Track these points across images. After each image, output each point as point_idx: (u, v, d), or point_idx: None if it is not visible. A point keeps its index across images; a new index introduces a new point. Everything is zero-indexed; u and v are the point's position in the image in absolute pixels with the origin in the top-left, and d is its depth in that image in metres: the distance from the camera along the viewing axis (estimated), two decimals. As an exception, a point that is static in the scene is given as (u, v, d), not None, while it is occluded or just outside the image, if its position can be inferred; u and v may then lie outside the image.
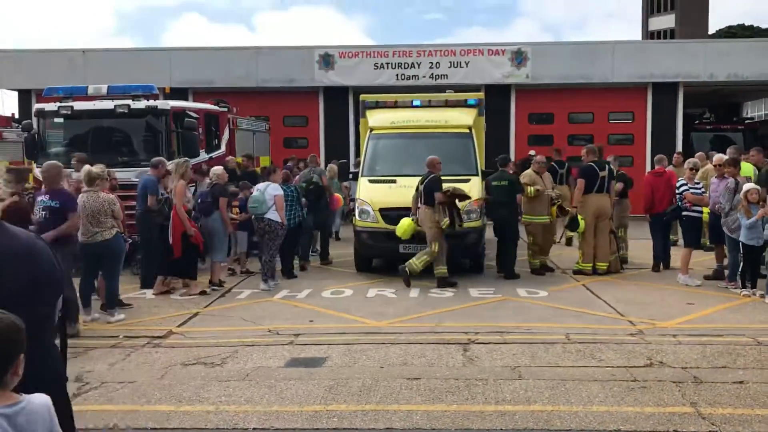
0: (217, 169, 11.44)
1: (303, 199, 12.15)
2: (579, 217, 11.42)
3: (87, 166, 8.99)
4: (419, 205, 10.86)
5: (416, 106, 13.32)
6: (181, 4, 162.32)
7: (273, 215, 10.77)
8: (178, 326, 8.56)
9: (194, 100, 19.46)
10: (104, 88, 13.84)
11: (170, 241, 10.04)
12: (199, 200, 10.87)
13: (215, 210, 10.80)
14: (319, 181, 13.13)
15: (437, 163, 11.00)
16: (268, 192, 10.80)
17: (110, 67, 21.33)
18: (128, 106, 13.02)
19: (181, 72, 21.90)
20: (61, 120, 13.70)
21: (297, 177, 13.42)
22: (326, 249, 13.46)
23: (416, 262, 10.71)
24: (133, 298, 10.06)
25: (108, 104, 13.19)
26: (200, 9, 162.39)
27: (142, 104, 13.19)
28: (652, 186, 12.10)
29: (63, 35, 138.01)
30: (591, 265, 11.59)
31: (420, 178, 10.98)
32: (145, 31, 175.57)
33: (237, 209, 11.90)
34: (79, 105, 13.37)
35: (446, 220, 10.58)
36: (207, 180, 11.34)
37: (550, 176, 12.56)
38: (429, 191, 10.69)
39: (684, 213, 11.09)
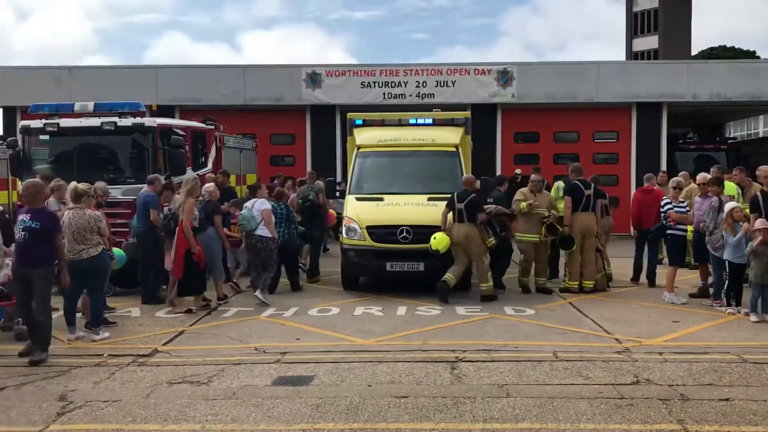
0: (209, 186, 11.56)
1: (294, 216, 12.35)
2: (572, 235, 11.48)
3: (73, 183, 8.94)
4: (454, 222, 11.10)
5: (403, 125, 13.38)
6: (163, 22, 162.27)
7: (263, 231, 10.95)
8: (164, 344, 8.49)
9: (181, 118, 19.50)
10: (91, 106, 13.79)
11: (172, 259, 10.10)
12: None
13: (209, 226, 10.85)
14: (316, 199, 13.30)
15: (473, 181, 11.47)
16: (256, 208, 11.03)
17: (97, 85, 21.32)
18: (115, 123, 12.99)
19: (168, 89, 21.89)
20: (47, 137, 13.63)
21: (293, 194, 13.51)
22: (316, 266, 13.49)
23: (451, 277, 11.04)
24: (117, 316, 9.98)
25: (94, 121, 13.15)
26: (182, 27, 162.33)
27: (128, 121, 13.16)
28: (640, 203, 12.53)
29: (41, 53, 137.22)
30: (578, 283, 11.64)
31: (454, 194, 11.26)
32: (127, 48, 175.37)
33: (235, 227, 11.97)
34: (66, 122, 13.32)
35: (491, 240, 11.11)
36: (176, 196, 10.94)
37: (548, 196, 12.15)
38: (472, 211, 11.00)
39: (668, 231, 11.19)
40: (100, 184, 10.40)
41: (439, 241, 10.93)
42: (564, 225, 11.54)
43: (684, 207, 11.12)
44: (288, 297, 11.53)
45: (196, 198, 10.47)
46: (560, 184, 12.85)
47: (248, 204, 11.23)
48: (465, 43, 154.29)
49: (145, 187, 11.31)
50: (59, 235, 7.92)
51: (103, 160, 13.54)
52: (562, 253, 12.37)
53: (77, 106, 13.81)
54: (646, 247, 12.61)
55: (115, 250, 10.13)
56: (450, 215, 11.12)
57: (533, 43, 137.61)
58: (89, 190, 8.80)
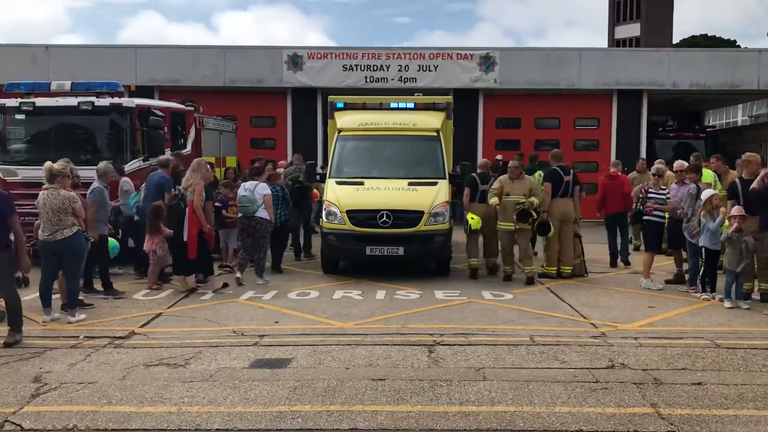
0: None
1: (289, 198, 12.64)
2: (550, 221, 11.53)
3: (48, 162, 8.80)
4: (472, 202, 12.02)
5: (384, 109, 13.34)
6: (138, 1, 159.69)
7: (263, 213, 11.14)
8: (141, 327, 8.44)
9: (160, 99, 19.24)
10: (68, 85, 13.59)
11: (184, 239, 10.23)
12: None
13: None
14: (304, 180, 13.56)
15: (489, 164, 12.70)
16: (257, 191, 11.17)
17: (74, 64, 20.98)
18: (92, 103, 12.81)
19: (147, 70, 21.62)
20: (22, 116, 13.43)
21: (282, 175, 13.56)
22: (309, 243, 13.99)
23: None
24: (93, 298, 9.89)
25: (71, 101, 12.96)
26: (157, 7, 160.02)
27: (106, 101, 12.98)
28: (606, 188, 13.03)
29: (13, 30, 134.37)
30: (555, 268, 11.72)
31: (475, 175, 12.13)
32: (101, 28, 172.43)
33: (234, 208, 11.97)
34: (42, 101, 13.13)
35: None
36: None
37: (530, 182, 11.93)
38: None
39: (645, 217, 11.28)
40: (102, 164, 10.50)
41: (477, 221, 11.71)
42: (542, 211, 11.57)
43: (665, 194, 11.20)
44: (263, 280, 11.49)
45: (207, 181, 10.62)
46: (541, 172, 13.03)
47: (249, 186, 11.26)
48: (444, 28, 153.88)
49: (158, 170, 11.62)
50: (14, 217, 7.57)
51: (80, 140, 13.37)
52: (539, 238, 12.45)
53: (54, 85, 13.60)
54: (618, 231, 13.22)
55: (110, 240, 10.26)
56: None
57: (513, 29, 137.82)
58: (64, 170, 8.65)
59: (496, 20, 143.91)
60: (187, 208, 10.34)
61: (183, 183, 10.67)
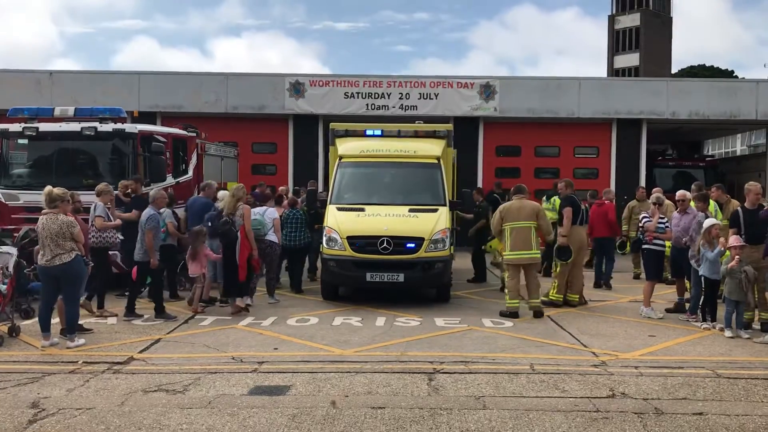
0: (223, 194, 11.99)
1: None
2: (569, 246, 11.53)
3: (48, 187, 8.85)
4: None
5: (386, 136, 13.42)
6: (131, 26, 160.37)
7: (272, 236, 11.87)
8: (140, 352, 8.41)
9: (162, 125, 19.35)
10: (71, 110, 13.68)
11: (237, 262, 10.75)
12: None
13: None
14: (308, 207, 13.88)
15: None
16: (267, 216, 11.92)
17: (77, 89, 21.15)
18: (95, 128, 12.89)
19: (150, 96, 21.79)
20: (25, 141, 13.49)
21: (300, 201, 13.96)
22: (315, 267, 14.40)
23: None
24: (93, 323, 9.87)
25: (74, 126, 13.05)
26: (150, 32, 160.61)
27: (109, 127, 13.06)
28: (593, 215, 13.47)
29: (6, 54, 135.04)
30: (563, 296, 11.68)
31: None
32: (94, 53, 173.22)
33: None
34: (45, 126, 13.19)
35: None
36: (219, 202, 11.55)
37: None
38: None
39: (645, 246, 11.29)
40: (157, 191, 11.05)
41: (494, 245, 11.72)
42: (562, 236, 11.51)
43: (664, 223, 11.23)
44: (267, 306, 11.48)
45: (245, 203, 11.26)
46: (557, 197, 13.37)
47: (260, 210, 11.92)
48: (438, 56, 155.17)
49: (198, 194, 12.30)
50: None
51: (82, 165, 13.44)
52: (554, 265, 12.31)
53: (57, 111, 13.70)
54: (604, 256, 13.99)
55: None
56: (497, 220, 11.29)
57: (506, 57, 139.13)
58: (64, 195, 8.68)
59: (489, 48, 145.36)
60: (239, 233, 10.80)
61: (225, 209, 10.89)
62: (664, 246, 11.20)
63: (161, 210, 11.04)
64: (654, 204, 11.62)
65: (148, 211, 10.54)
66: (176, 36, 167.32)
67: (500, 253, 11.75)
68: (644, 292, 11.15)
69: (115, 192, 11.80)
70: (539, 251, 11.22)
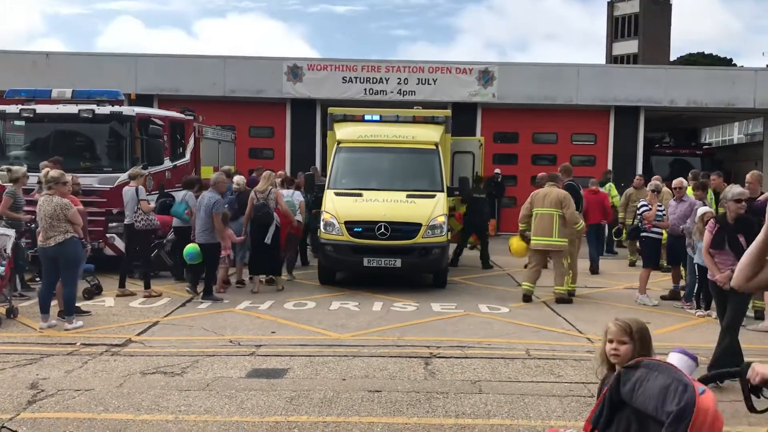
0: (240, 179, 12.65)
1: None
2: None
3: (45, 168, 8.85)
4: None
5: (384, 121, 13.41)
6: (114, 7, 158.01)
7: (299, 217, 12.57)
8: (138, 335, 8.45)
9: (159, 108, 19.29)
10: (68, 92, 13.63)
11: (267, 242, 11.20)
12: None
13: (241, 216, 11.84)
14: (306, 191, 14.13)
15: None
16: (295, 198, 12.57)
17: (74, 72, 21.04)
18: (93, 111, 12.85)
19: (147, 78, 21.70)
20: (22, 123, 13.46)
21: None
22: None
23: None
24: (91, 305, 9.91)
25: (72, 108, 13.01)
26: (134, 13, 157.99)
27: (106, 110, 13.02)
28: (587, 202, 13.43)
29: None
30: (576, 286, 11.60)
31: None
32: (77, 34, 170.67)
33: None
34: (42, 108, 13.16)
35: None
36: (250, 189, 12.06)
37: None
38: None
39: (643, 234, 11.34)
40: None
41: (516, 247, 11.45)
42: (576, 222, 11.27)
43: (662, 211, 11.26)
44: (264, 291, 11.51)
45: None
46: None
47: (288, 193, 12.47)
48: (428, 39, 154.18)
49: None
50: None
51: (79, 147, 13.43)
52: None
53: (55, 93, 13.64)
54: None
55: (190, 246, 10.66)
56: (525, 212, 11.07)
57: (495, 41, 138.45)
58: (59, 177, 8.69)
59: (477, 32, 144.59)
60: (275, 214, 11.37)
61: (260, 193, 11.36)
62: (661, 234, 11.25)
63: (185, 193, 11.66)
64: (651, 191, 11.65)
65: (212, 195, 10.73)
66: (161, 17, 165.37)
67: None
68: (640, 279, 11.20)
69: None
70: (564, 239, 10.88)
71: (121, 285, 10.91)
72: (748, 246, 3.27)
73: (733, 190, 7.54)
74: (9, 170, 10.81)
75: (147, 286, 10.82)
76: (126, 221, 11.04)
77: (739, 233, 7.16)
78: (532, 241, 11.02)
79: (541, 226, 10.86)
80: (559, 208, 10.81)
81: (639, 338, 3.35)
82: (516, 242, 11.42)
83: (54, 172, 8.72)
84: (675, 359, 3.04)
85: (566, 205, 10.83)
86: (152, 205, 11.28)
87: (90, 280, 10.62)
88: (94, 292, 10.61)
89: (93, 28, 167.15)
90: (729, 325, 7.06)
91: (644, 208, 11.34)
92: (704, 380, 3.00)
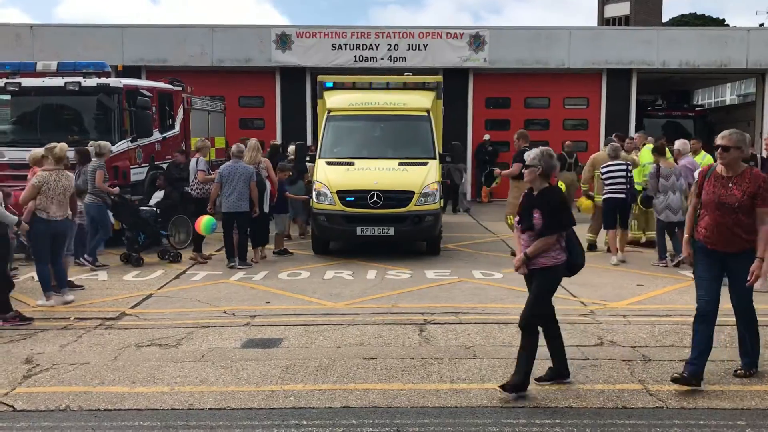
0: (292, 149, 14.06)
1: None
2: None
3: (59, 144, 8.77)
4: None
5: (374, 88, 13.28)
6: None
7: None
8: (132, 308, 8.44)
9: (147, 79, 19.06)
10: (54, 65, 13.46)
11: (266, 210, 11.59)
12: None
13: (300, 180, 13.23)
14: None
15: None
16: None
17: (59, 43, 20.72)
18: (79, 83, 12.68)
19: (134, 49, 21.38)
20: (7, 97, 13.29)
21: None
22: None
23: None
24: (84, 279, 9.88)
25: (58, 81, 12.84)
26: None
27: (93, 82, 12.86)
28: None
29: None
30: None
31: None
32: (37, 2, 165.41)
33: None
34: (28, 81, 12.99)
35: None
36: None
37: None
38: None
39: (606, 196, 11.63)
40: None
41: (586, 206, 12.36)
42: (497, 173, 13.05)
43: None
44: (262, 262, 11.50)
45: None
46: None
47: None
48: (398, 3, 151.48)
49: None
50: None
51: (66, 121, 13.26)
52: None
53: (40, 65, 13.47)
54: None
55: (207, 218, 10.78)
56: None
57: (469, 5, 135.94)
58: (46, 153, 8.64)
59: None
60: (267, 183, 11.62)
61: (248, 162, 11.33)
62: (624, 194, 11.31)
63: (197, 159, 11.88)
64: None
65: (246, 166, 11.05)
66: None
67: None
68: (609, 242, 11.62)
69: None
70: None
71: (196, 249, 11.45)
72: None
73: None
74: (99, 145, 11.12)
75: (198, 250, 11.41)
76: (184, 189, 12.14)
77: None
78: (596, 198, 12.15)
79: (599, 185, 12.02)
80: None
81: None
82: (585, 201, 12.45)
83: (39, 150, 8.83)
84: None
85: None
86: (212, 175, 11.49)
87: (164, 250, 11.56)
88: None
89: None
90: None
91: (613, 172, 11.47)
92: None
